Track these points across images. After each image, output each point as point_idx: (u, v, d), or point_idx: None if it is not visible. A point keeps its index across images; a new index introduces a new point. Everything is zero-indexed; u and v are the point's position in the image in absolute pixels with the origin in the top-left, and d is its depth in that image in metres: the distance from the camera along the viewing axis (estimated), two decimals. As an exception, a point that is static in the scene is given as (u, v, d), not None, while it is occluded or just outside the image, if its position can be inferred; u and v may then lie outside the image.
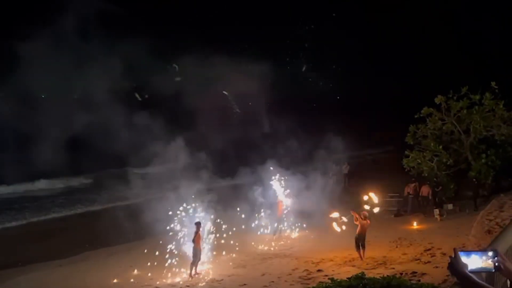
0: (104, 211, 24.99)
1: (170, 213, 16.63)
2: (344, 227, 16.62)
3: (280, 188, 20.50)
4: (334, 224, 16.60)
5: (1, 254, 18.03)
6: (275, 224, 19.76)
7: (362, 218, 15.91)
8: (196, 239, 15.15)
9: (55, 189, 32.49)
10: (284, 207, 19.97)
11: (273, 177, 20.67)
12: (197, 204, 16.86)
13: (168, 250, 16.00)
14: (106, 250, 18.37)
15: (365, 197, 17.44)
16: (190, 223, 16.05)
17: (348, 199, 22.56)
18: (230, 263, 16.29)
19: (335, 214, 16.66)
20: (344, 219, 16.51)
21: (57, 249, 18.35)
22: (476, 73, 53.07)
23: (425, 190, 22.55)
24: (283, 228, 19.83)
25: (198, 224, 15.42)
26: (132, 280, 14.71)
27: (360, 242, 15.76)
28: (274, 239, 19.10)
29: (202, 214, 16.60)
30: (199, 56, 30.98)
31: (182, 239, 16.18)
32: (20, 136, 31.08)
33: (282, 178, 20.66)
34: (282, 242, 18.70)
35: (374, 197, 17.13)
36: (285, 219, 20.02)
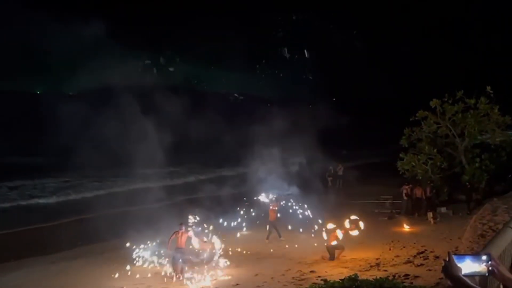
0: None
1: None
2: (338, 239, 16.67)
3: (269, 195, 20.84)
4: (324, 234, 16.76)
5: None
6: (267, 228, 19.69)
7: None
8: (181, 240, 15.01)
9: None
10: (277, 212, 19.94)
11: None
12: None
13: (158, 251, 15.99)
14: (99, 247, 18.27)
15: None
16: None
17: (340, 201, 22.71)
18: (223, 263, 16.24)
19: (330, 225, 16.75)
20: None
21: (50, 245, 18.26)
22: (471, 77, 53.38)
23: (418, 192, 22.68)
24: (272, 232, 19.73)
25: (182, 225, 15.30)
26: (124, 279, 14.63)
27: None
28: (267, 242, 19.11)
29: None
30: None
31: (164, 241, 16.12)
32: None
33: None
34: (271, 248, 18.61)
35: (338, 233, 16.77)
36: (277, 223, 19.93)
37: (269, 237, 19.31)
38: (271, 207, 19.85)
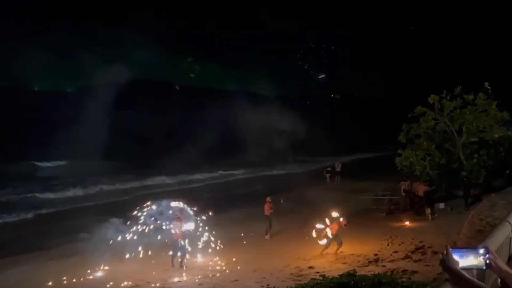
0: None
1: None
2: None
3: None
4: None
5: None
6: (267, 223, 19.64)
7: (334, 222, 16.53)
8: (176, 231, 15.17)
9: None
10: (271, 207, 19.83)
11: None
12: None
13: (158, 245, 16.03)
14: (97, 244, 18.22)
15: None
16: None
17: (339, 197, 22.64)
18: (222, 259, 16.28)
19: (320, 225, 16.69)
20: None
21: (48, 242, 18.25)
22: (469, 73, 53.44)
23: (417, 187, 22.68)
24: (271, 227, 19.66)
25: (179, 217, 15.39)
26: (123, 276, 14.64)
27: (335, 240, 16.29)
28: (267, 238, 19.13)
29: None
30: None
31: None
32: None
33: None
34: (270, 243, 18.61)
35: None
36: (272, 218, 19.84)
37: (268, 233, 19.31)
38: (267, 201, 19.75)
